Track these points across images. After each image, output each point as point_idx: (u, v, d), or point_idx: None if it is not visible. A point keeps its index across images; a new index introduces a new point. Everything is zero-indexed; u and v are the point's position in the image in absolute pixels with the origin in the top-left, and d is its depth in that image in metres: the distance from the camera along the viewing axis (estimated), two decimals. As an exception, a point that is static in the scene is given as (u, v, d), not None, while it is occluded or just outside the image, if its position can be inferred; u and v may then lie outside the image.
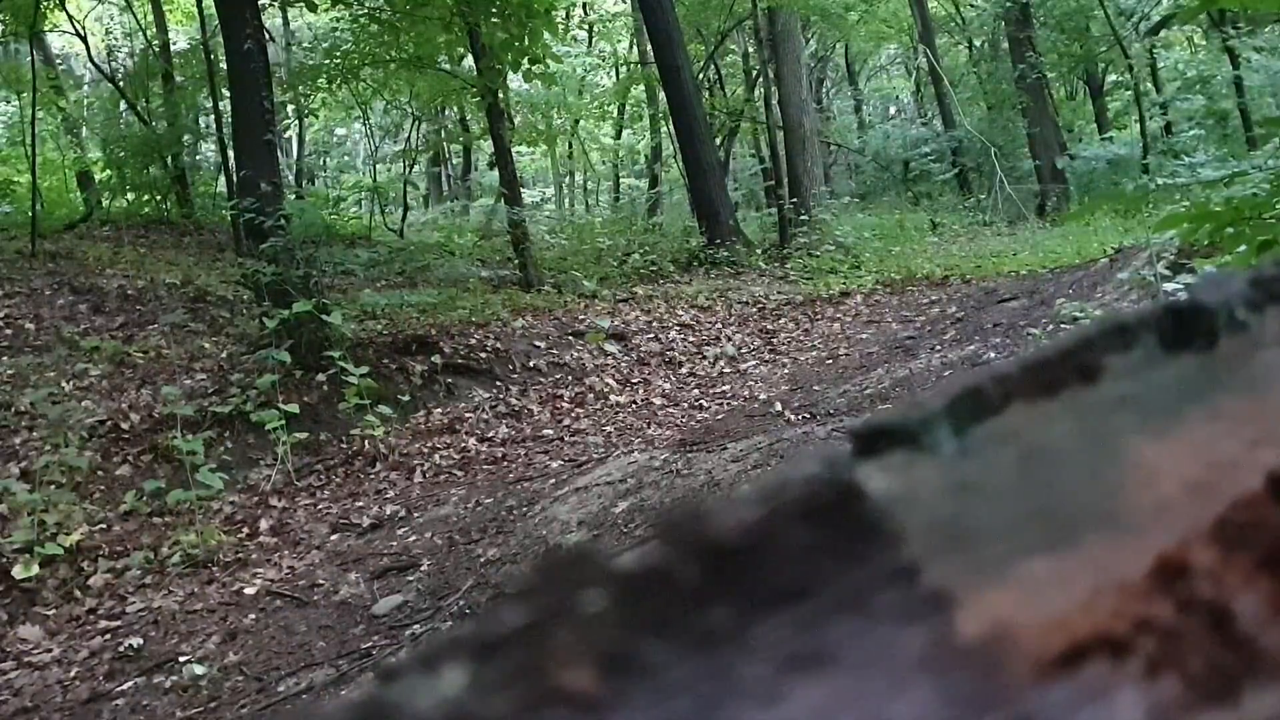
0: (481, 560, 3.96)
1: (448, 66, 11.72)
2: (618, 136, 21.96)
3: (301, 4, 9.98)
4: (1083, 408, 0.27)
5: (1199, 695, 0.22)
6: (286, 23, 17.42)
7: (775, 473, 0.24)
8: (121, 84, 13.94)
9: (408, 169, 17.10)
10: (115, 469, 5.18)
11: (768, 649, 0.21)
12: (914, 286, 9.26)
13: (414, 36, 10.41)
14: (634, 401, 6.51)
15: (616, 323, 8.05)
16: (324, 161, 22.63)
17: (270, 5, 11.00)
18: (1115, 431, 0.26)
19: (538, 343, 7.34)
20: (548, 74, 9.49)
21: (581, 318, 8.12)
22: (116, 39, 17.09)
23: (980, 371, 0.27)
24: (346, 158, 24.09)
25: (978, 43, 20.85)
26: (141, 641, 3.58)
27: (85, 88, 16.55)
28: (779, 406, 5.64)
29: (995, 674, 0.21)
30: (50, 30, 14.05)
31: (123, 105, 14.23)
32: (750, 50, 15.96)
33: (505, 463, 5.47)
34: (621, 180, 22.85)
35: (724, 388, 6.61)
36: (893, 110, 27.00)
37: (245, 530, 4.75)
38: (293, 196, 10.92)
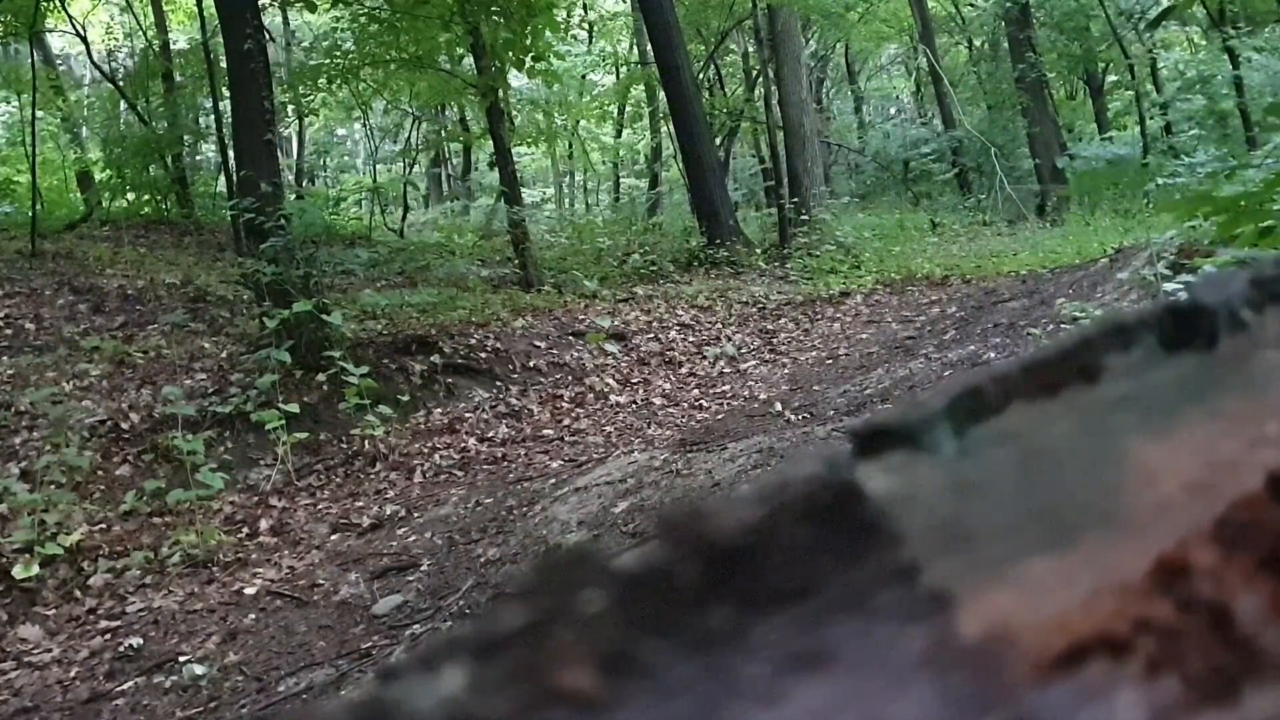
0: (481, 560, 3.95)
1: (448, 66, 11.73)
2: (618, 136, 21.96)
3: (301, 4, 9.98)
4: (1083, 408, 0.27)
5: (1199, 695, 0.22)
6: (286, 23, 17.42)
7: (775, 473, 0.24)
8: (121, 84, 13.94)
9: (408, 169, 17.12)
10: (115, 469, 5.18)
11: (768, 649, 0.21)
12: (914, 286, 9.25)
13: (414, 36, 10.41)
14: (634, 401, 6.51)
15: (616, 323, 8.04)
16: (324, 161, 22.60)
17: (270, 5, 11.00)
18: (1115, 431, 0.26)
19: (538, 343, 7.34)
20: (551, 72, 9.49)
21: (581, 318, 8.12)
22: (117, 39, 17.08)
23: (980, 371, 0.27)
24: (346, 158, 24.09)
25: (978, 43, 20.86)
26: (141, 641, 3.58)
27: (85, 88, 16.54)
28: (779, 406, 5.64)
29: (995, 674, 0.21)
30: (50, 30, 14.06)
31: (123, 105, 14.23)
32: (750, 50, 15.96)
33: (505, 463, 5.47)
34: (621, 180, 22.85)
35: (724, 388, 6.61)
36: (893, 110, 26.99)
37: (245, 530, 4.75)
38: (293, 196, 10.94)
